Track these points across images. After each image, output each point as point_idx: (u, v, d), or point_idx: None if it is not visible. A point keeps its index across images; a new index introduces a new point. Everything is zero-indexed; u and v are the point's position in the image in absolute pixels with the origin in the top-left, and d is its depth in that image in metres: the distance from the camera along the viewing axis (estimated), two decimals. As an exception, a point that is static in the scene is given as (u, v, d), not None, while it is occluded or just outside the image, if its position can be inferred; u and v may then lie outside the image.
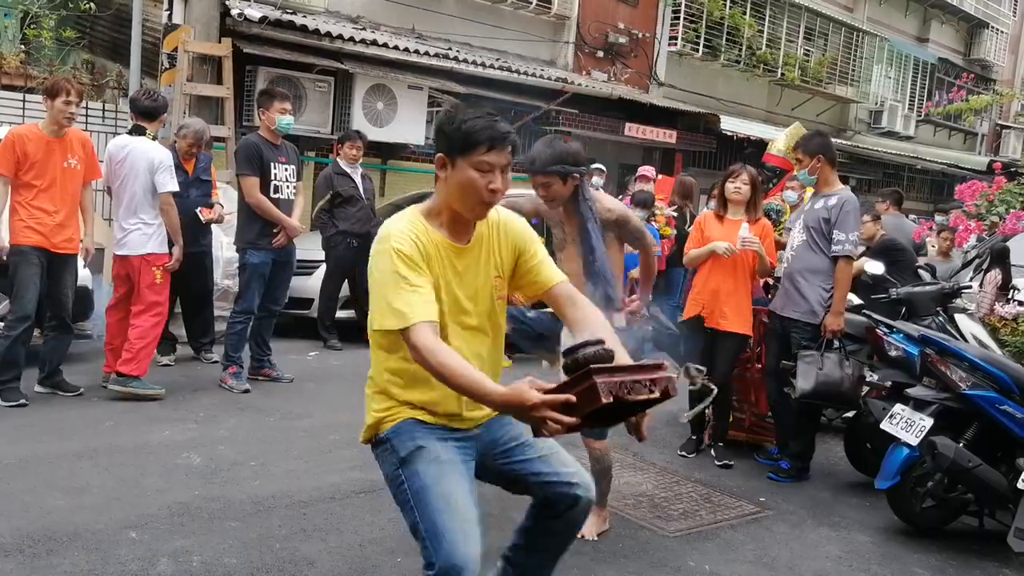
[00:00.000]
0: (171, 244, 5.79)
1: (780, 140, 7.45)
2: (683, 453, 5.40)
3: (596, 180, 9.52)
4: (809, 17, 16.73)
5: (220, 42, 8.84)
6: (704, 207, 9.02)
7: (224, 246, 7.22)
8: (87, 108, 8.57)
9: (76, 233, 5.47)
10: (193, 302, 6.82)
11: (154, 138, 5.86)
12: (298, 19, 9.46)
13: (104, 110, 8.83)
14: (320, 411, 5.65)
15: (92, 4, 9.38)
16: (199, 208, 6.43)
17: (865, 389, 5.04)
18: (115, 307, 5.83)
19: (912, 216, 14.71)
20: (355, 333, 7.93)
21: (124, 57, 9.22)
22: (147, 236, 5.65)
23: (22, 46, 9.30)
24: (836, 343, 4.89)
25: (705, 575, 3.73)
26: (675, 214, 8.83)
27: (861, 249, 6.04)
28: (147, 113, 5.82)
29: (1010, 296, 6.75)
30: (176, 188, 5.75)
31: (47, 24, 9.16)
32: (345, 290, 7.88)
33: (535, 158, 3.69)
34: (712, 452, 5.35)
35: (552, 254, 3.39)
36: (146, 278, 5.64)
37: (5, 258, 5.28)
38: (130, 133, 5.82)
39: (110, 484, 4.13)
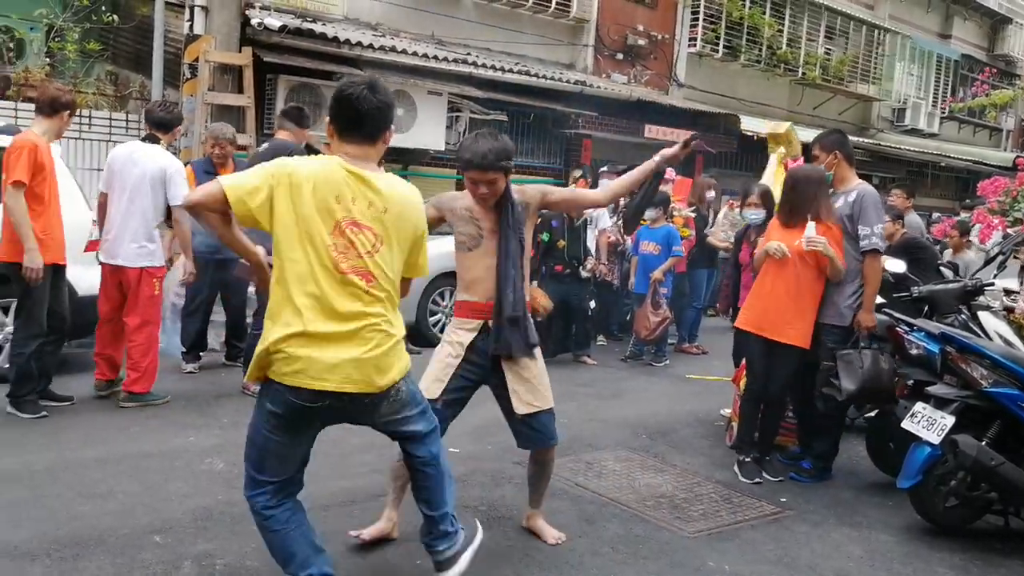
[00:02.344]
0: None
1: (792, 143, 7.27)
2: (748, 479, 4.96)
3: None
4: (830, 16, 16.62)
5: (240, 51, 8.94)
6: (724, 208, 9.00)
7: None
8: (111, 118, 8.68)
9: (64, 242, 5.39)
10: (232, 309, 6.95)
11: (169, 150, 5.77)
12: (317, 27, 9.55)
13: (128, 120, 8.96)
14: (342, 416, 5.68)
15: (115, 17, 9.51)
16: None
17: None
18: (108, 321, 5.66)
19: (936, 214, 14.61)
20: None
21: (147, 68, 9.34)
22: (150, 251, 5.53)
23: (47, 59, 9.44)
24: (867, 341, 4.85)
25: (725, 575, 3.73)
26: (693, 214, 8.82)
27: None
28: (162, 124, 5.69)
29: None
30: None
31: (71, 37, 9.29)
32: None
33: (484, 154, 3.43)
34: (736, 467, 5.11)
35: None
36: (146, 290, 5.53)
37: (37, 277, 5.08)
38: (144, 141, 5.69)
39: (135, 489, 4.19)
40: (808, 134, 14.48)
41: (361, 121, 2.82)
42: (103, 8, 9.65)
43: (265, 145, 6.37)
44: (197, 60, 8.78)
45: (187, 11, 9.23)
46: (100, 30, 10.03)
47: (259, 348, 2.81)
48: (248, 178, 2.73)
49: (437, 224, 3.71)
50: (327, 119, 2.91)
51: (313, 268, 2.73)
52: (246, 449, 2.96)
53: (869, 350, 4.76)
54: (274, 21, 9.04)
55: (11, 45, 9.30)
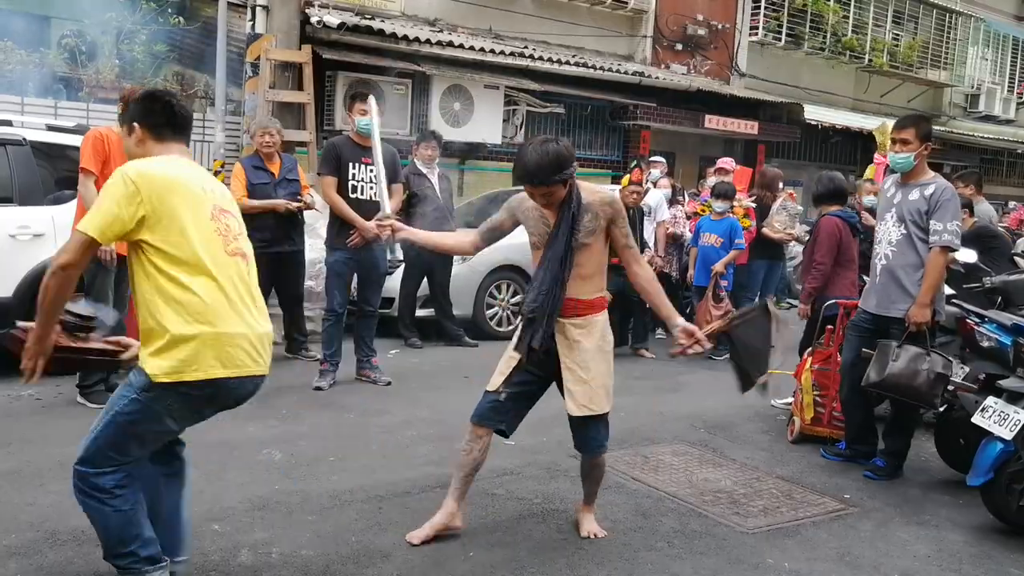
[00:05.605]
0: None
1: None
2: None
3: (655, 172, 9.39)
4: (897, 0, 16.17)
5: (300, 49, 9.06)
6: (780, 198, 8.79)
7: (308, 247, 7.38)
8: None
9: None
10: (288, 301, 7.02)
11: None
12: (375, 24, 9.62)
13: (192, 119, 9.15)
14: (398, 408, 5.73)
15: (181, 19, 9.74)
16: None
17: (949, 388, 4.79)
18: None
19: (1012, 203, 14.13)
20: (435, 331, 8.03)
21: (211, 68, 9.51)
22: None
23: (116, 61, 9.68)
24: (928, 337, 4.68)
25: (784, 573, 3.64)
26: (754, 205, 8.66)
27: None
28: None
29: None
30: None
31: (140, 39, 9.53)
32: (424, 288, 7.97)
33: (534, 172, 3.36)
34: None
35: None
36: None
37: (111, 259, 5.18)
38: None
39: (194, 478, 4.20)
40: (875, 123, 14.15)
41: (183, 124, 3.12)
42: (169, 11, 9.88)
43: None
44: (258, 59, 8.92)
45: (249, 11, 9.39)
46: (167, 32, 10.26)
47: None
48: None
49: (512, 228, 3.70)
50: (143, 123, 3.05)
51: None
52: None
53: (914, 347, 4.58)
54: (333, 19, 9.15)
55: (83, 48, 9.56)
